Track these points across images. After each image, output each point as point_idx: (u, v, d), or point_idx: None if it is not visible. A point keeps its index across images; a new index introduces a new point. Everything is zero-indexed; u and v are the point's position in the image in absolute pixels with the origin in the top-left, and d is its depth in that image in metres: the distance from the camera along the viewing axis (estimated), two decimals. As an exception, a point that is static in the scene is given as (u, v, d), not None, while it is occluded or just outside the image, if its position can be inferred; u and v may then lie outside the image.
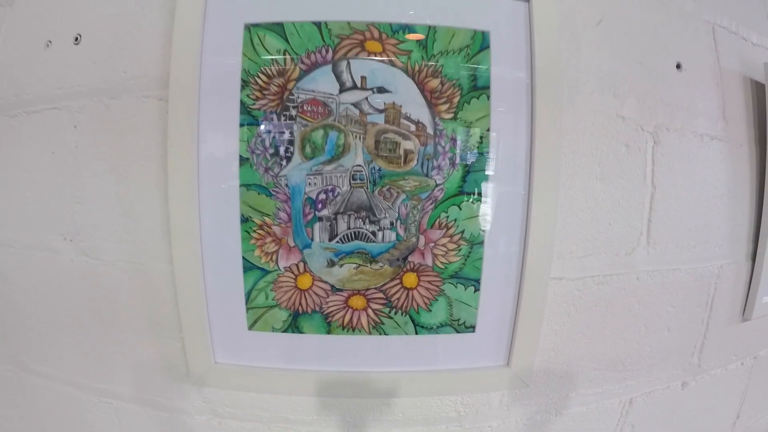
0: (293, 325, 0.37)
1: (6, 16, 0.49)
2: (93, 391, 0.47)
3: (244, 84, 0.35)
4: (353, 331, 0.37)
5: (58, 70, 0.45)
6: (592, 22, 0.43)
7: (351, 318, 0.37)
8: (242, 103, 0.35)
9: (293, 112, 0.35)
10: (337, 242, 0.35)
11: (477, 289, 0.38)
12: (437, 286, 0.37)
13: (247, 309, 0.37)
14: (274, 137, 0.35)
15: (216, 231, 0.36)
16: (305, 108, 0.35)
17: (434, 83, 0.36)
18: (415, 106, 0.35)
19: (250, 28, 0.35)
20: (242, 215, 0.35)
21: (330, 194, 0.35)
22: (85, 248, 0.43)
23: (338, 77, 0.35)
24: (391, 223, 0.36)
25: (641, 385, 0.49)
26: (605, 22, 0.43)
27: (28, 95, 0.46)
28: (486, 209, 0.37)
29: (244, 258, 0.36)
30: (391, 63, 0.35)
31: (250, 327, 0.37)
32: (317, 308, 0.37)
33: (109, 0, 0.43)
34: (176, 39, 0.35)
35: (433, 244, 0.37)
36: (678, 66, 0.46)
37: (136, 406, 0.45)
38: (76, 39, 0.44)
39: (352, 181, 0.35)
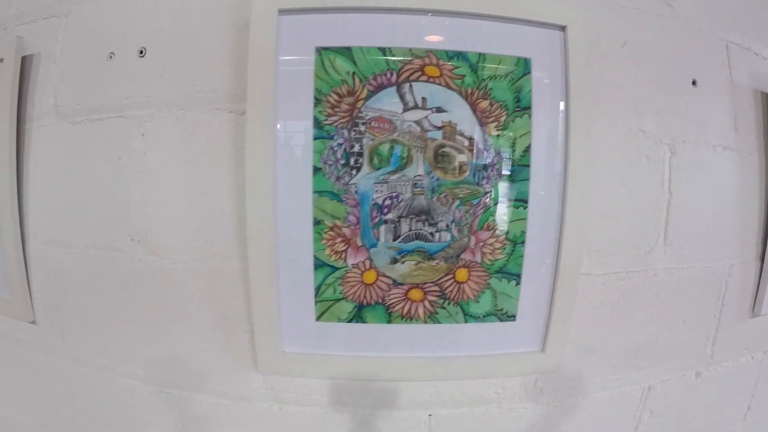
0: (357, 315, 0.47)
1: (63, 27, 0.58)
2: (154, 381, 0.56)
3: (317, 102, 0.45)
4: (410, 320, 0.48)
5: (123, 81, 0.54)
6: (616, 45, 0.54)
7: (409, 308, 0.48)
8: (315, 119, 0.45)
9: (362, 128, 0.45)
10: (400, 242, 0.46)
11: (518, 283, 0.49)
12: (485, 280, 0.48)
13: (316, 302, 0.47)
14: (345, 150, 0.45)
15: (290, 232, 0.46)
16: (373, 124, 0.45)
17: (484, 104, 0.46)
18: (468, 124, 0.46)
19: (320, 51, 0.45)
20: (314, 218, 0.45)
21: (394, 200, 0.45)
22: (154, 248, 0.52)
23: (402, 98, 0.45)
24: (447, 225, 0.46)
25: (659, 373, 0.61)
26: (628, 44, 0.55)
27: (91, 103, 0.55)
28: (527, 213, 0.48)
29: (315, 256, 0.46)
30: (447, 86, 0.46)
31: (318, 318, 0.47)
32: (380, 300, 0.47)
33: (174, 16, 0.52)
34: (252, 57, 0.45)
35: (482, 244, 0.47)
36: (694, 83, 0.57)
37: (198, 395, 0.55)
38: (141, 52, 0.53)
39: (414, 189, 0.45)
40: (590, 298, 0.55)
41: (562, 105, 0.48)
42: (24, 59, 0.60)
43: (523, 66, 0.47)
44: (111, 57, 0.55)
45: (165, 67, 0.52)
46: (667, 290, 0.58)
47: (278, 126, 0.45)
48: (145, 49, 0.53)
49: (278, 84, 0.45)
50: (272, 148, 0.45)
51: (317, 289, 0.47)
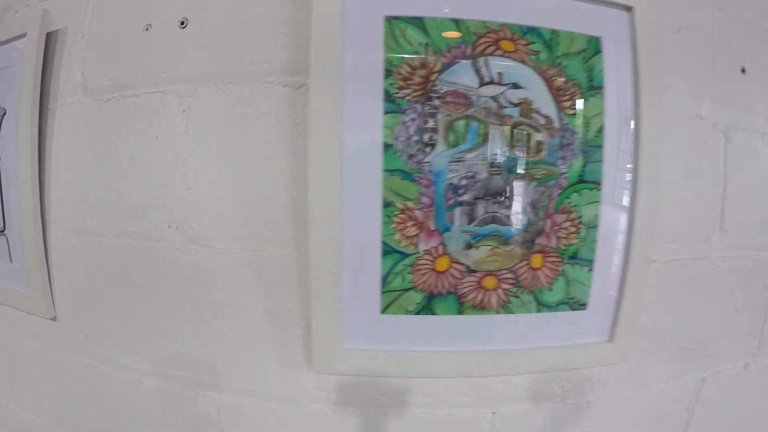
0: (427, 306, 0.42)
1: (92, 0, 0.51)
2: (189, 383, 0.49)
3: (388, 73, 0.39)
4: (483, 310, 0.42)
5: (161, 54, 0.47)
6: (672, 30, 0.52)
7: (483, 298, 0.42)
8: (386, 92, 0.39)
9: (436, 102, 0.39)
10: (475, 225, 0.41)
11: (591, 269, 0.44)
12: (558, 267, 0.43)
13: (382, 293, 0.41)
14: (418, 125, 0.40)
15: (356, 216, 0.39)
16: (448, 99, 0.40)
17: (559, 82, 0.42)
18: (544, 102, 0.41)
19: (390, 20, 0.40)
20: (384, 200, 0.39)
21: (470, 180, 0.40)
22: (195, 236, 0.45)
23: (477, 72, 0.40)
24: (523, 208, 0.41)
25: (712, 363, 0.57)
26: (683, 30, 0.52)
27: (124, 79, 0.48)
28: (600, 196, 0.43)
29: (383, 242, 0.40)
30: (523, 61, 0.41)
31: (383, 310, 0.41)
32: (452, 289, 0.41)
33: (220, -14, 0.46)
34: (316, 27, 0.39)
35: (557, 227, 0.42)
36: (743, 70, 0.55)
37: (240, 397, 0.48)
38: (182, 23, 0.47)
39: (490, 168, 0.40)
40: (654, 286, 0.50)
41: (631, 86, 0.45)
42: (49, 35, 0.53)
43: (594, 45, 0.43)
44: (147, 29, 0.48)
45: (210, 38, 0.45)
46: (723, 279, 0.55)
47: (345, 100, 0.39)
48: (186, 19, 0.47)
49: (345, 55, 0.39)
50: (338, 124, 0.39)
51: (384, 279, 0.40)
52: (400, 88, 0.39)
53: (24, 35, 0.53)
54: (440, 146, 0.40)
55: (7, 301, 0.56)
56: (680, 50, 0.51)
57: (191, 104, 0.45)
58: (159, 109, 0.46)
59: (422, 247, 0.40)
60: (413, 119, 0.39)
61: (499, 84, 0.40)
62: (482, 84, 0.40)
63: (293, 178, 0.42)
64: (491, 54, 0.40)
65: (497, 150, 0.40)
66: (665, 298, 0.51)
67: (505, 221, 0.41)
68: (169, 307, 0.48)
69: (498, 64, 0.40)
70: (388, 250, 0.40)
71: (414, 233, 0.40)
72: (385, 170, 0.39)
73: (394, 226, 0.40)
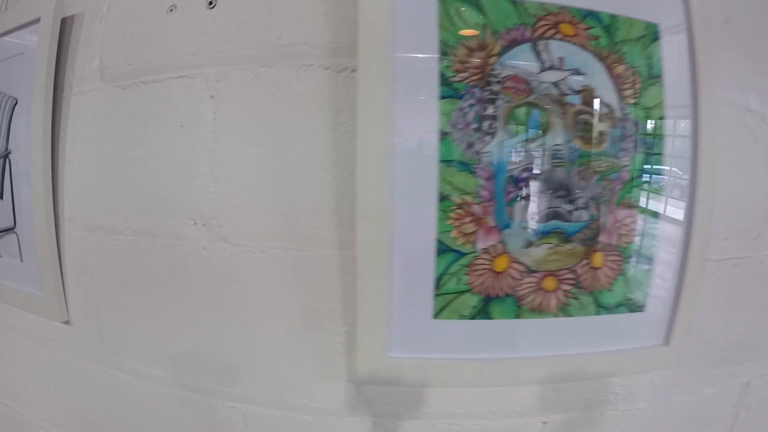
0: (483, 310, 0.37)
1: (111, -22, 0.46)
2: (216, 394, 0.43)
3: (443, 55, 0.35)
4: (541, 313, 0.38)
5: (187, 36, 0.42)
6: (720, 20, 0.49)
7: (542, 300, 0.38)
8: (441, 75, 0.35)
9: (496, 87, 0.35)
10: (537, 221, 0.37)
11: (650, 269, 0.40)
12: (619, 266, 0.39)
13: (436, 295, 0.36)
14: (477, 112, 0.35)
15: (408, 211, 0.35)
16: (508, 84, 0.36)
17: (620, 69, 0.38)
18: (606, 90, 0.37)
19: (444, -1, 0.36)
20: (440, 194, 0.35)
21: (531, 172, 0.36)
22: (224, 233, 0.40)
23: (538, 55, 0.36)
24: (585, 203, 0.38)
25: (757, 366, 0.54)
26: (730, 21, 0.49)
27: (145, 63, 0.43)
28: (660, 191, 0.40)
29: (438, 240, 0.35)
30: (583, 46, 0.37)
31: (436, 315, 0.37)
32: (510, 291, 0.37)
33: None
34: (363, 6, 0.35)
35: (618, 224, 0.39)
36: (786, 65, 0.53)
37: (272, 409, 0.43)
38: (211, 3, 0.42)
39: (552, 160, 0.37)
40: (707, 286, 0.47)
41: (689, 74, 0.42)
42: (63, 21, 0.48)
43: (653, 32, 0.40)
44: (172, 10, 0.43)
45: (241, 18, 0.40)
46: (769, 278, 0.52)
47: (397, 83, 0.35)
48: None
49: (396, 35, 0.35)
50: (390, 110, 0.34)
51: (438, 280, 0.36)
52: (457, 71, 0.35)
53: (37, 20, 0.48)
54: (500, 135, 0.36)
55: (19, 303, 0.51)
56: (728, 41, 0.48)
57: (220, 89, 0.40)
58: (184, 96, 0.41)
59: (480, 246, 0.36)
60: (472, 105, 0.35)
61: (561, 69, 0.37)
62: (543, 69, 0.36)
63: (336, 170, 0.38)
64: (551, 37, 0.37)
65: (559, 140, 0.37)
66: (717, 298, 0.48)
67: (567, 217, 0.37)
68: (194, 311, 0.42)
69: (559, 49, 0.37)
70: (443, 249, 0.36)
71: (472, 230, 0.36)
72: (441, 161, 0.35)
73: (450, 222, 0.35)
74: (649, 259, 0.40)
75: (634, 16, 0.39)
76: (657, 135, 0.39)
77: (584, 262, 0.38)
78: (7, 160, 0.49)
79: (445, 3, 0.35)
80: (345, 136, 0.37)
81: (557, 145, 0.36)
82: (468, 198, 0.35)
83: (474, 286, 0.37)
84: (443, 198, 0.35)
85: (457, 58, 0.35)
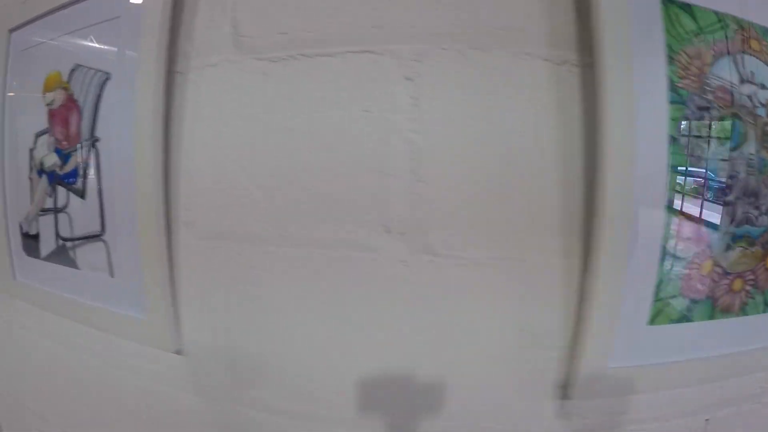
0: (685, 314, 0.36)
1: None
2: (391, 426, 0.36)
3: (670, 60, 0.33)
4: (727, 314, 0.39)
5: (368, 5, 0.34)
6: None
7: (730, 301, 0.38)
8: (669, 80, 0.33)
9: (710, 96, 0.35)
10: (735, 226, 0.37)
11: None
12: (782, 267, 0.42)
13: (654, 301, 0.35)
14: (697, 119, 0.34)
15: (639, 218, 0.33)
16: (718, 94, 0.35)
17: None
18: (778, 104, 0.40)
19: (666, 2, 0.34)
20: (668, 200, 0.34)
21: (733, 179, 0.36)
22: (430, 243, 0.33)
23: (737, 68, 0.37)
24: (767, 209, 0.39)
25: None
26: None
27: (307, 33, 0.35)
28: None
29: (662, 246, 0.34)
30: (766, 63, 0.39)
31: (650, 321, 0.35)
32: (710, 293, 0.37)
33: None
34: (602, 6, 0.32)
35: (784, 229, 0.41)
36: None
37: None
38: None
39: (747, 168, 0.37)
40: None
41: None
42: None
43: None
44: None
45: None
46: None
47: (634, 85, 0.32)
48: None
49: (632, 34, 0.33)
50: (634, 112, 0.32)
51: (657, 286, 0.35)
52: (681, 77, 0.34)
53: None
54: (713, 143, 0.36)
55: (112, 328, 0.38)
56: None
57: (419, 70, 0.33)
58: (369, 75, 0.33)
59: (693, 250, 0.36)
60: (693, 112, 0.35)
61: (753, 83, 0.38)
62: (742, 81, 0.37)
63: (563, 171, 0.33)
64: (744, 52, 0.38)
65: (752, 150, 0.38)
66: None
67: (755, 222, 0.38)
68: (381, 333, 0.34)
69: (750, 63, 0.38)
70: (664, 255, 0.34)
71: (689, 235, 0.35)
72: (671, 167, 0.34)
73: (674, 228, 0.35)
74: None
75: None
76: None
77: (762, 263, 0.40)
78: (93, 150, 0.37)
79: (666, 7, 0.34)
80: (572, 136, 0.33)
81: (751, 154, 0.37)
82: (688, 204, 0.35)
83: (684, 290, 0.36)
84: (668, 204, 0.34)
85: (681, 64, 0.34)
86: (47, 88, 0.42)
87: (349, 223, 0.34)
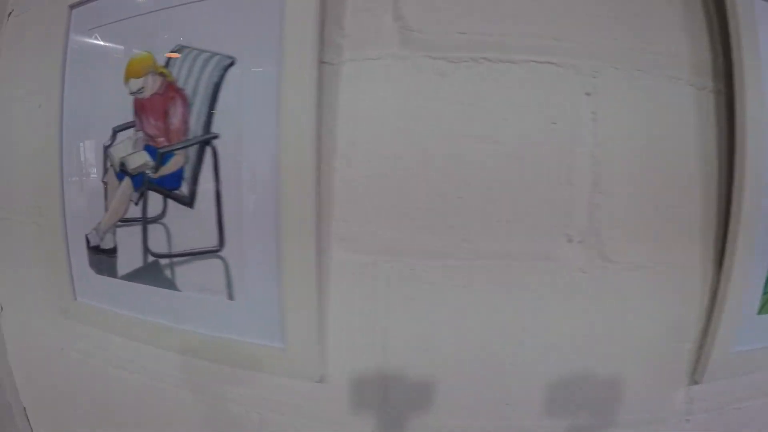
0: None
1: None
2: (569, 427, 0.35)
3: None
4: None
5: (547, 12, 0.32)
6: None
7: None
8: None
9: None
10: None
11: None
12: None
13: (763, 294, 0.38)
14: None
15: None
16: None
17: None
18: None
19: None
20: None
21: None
22: (605, 251, 0.33)
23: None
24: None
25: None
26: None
27: (489, 37, 0.32)
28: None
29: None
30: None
31: (759, 311, 0.39)
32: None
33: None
34: (735, 30, 0.33)
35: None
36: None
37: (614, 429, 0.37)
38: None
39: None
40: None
41: None
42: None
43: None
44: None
45: (618, 11, 0.33)
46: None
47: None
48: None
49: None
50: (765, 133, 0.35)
51: (767, 280, 0.39)
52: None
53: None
54: None
55: (231, 359, 0.32)
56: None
57: (597, 86, 0.33)
58: (553, 87, 0.32)
59: None
60: None
61: None
62: None
63: (704, 189, 0.35)
64: None
65: None
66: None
67: None
68: (560, 342, 0.33)
69: None
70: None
71: None
72: None
73: None
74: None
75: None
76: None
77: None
78: (208, 149, 0.30)
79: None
80: (711, 155, 0.35)
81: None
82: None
83: (778, 282, 0.41)
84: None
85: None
86: (132, 73, 0.33)
87: (535, 233, 0.32)
